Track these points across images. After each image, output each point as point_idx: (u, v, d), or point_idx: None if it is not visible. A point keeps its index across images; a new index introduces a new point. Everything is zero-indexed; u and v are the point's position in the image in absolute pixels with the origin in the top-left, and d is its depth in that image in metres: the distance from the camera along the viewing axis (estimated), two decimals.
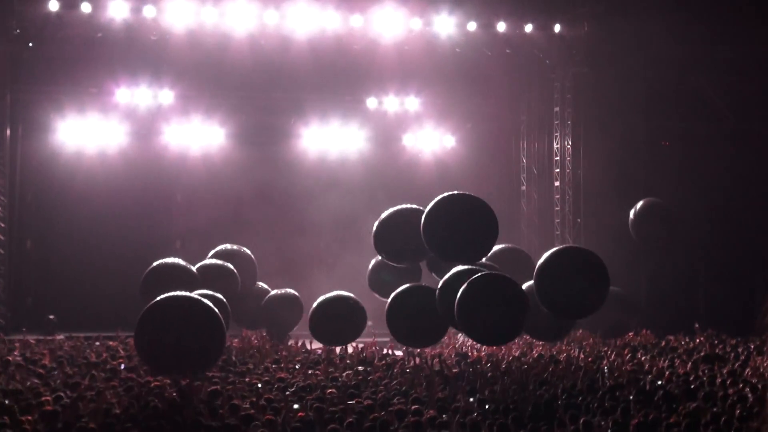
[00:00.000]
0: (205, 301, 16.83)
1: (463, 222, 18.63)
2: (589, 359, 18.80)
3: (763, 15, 27.25)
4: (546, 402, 12.99)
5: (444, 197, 19.05)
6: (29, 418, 12.01)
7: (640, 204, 24.54)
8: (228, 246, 23.98)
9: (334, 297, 21.27)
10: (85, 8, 26.57)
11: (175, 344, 15.75)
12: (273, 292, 23.67)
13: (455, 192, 19.49)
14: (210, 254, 23.60)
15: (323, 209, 30.35)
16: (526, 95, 32.90)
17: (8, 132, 28.20)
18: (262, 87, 29.98)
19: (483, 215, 18.97)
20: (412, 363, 18.46)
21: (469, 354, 20.01)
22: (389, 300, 19.65)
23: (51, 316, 27.47)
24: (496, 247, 20.50)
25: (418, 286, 19.81)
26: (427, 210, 18.94)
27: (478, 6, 28.73)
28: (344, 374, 16.63)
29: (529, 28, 29.18)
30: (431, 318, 18.95)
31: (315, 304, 21.08)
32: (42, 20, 27.31)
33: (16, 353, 20.16)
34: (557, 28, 29.41)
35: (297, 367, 18.07)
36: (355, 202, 29.45)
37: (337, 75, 30.25)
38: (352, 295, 21.44)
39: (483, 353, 20.25)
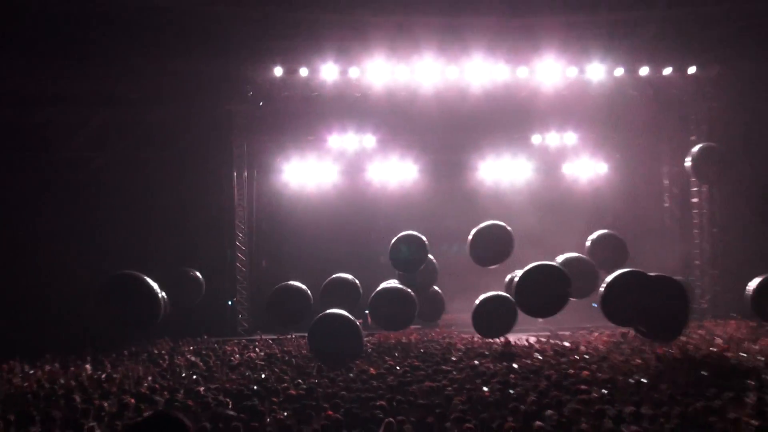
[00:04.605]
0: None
1: None
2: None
3: None
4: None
5: None
6: (275, 399, 13.01)
7: None
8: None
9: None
10: (303, 73, 29.45)
11: None
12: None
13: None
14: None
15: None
16: (666, 127, 34.05)
17: (246, 173, 31.36)
18: (446, 129, 31.71)
19: None
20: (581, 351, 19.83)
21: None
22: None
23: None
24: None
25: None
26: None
27: (623, 54, 29.97)
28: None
29: (667, 71, 30.80)
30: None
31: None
32: (269, 84, 30.11)
33: (257, 350, 22.81)
34: (691, 70, 31.02)
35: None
36: (526, 221, 30.69)
37: (507, 117, 31.79)
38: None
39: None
